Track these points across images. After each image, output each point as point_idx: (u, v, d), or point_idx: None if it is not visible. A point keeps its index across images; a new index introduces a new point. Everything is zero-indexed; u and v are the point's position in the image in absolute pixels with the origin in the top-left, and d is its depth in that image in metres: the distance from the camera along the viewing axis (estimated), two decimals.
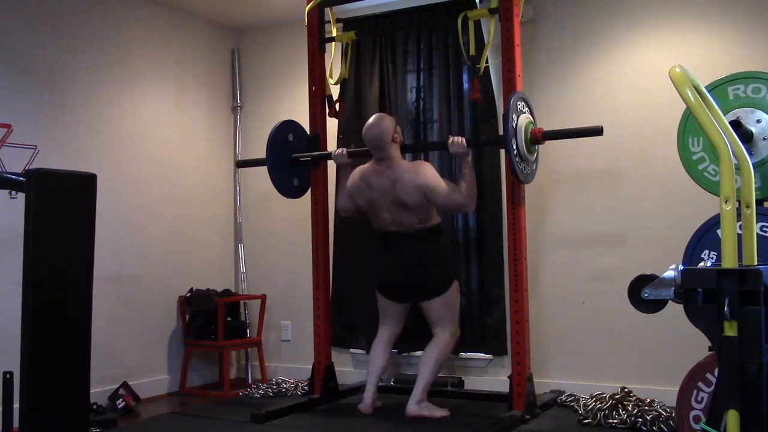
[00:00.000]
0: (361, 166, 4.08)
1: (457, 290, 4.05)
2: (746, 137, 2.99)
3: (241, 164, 5.01)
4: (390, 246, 4.02)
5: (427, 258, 3.95)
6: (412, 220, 3.92)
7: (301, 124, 4.44)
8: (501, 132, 4.09)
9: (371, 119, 4.01)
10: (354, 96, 4.89)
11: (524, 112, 3.86)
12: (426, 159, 4.53)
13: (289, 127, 4.38)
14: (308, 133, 4.45)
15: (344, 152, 4.21)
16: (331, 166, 4.52)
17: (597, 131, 3.74)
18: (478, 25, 4.29)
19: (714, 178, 3.10)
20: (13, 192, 3.85)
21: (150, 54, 4.93)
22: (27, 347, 2.13)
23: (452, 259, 4.17)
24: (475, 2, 4.49)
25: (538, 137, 3.84)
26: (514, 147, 3.73)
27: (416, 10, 4.72)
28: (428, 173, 3.88)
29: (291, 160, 4.34)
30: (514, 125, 3.73)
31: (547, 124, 4.21)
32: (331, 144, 4.72)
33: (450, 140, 3.89)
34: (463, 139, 3.87)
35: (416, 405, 3.85)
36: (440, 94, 4.70)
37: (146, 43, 4.90)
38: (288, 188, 4.38)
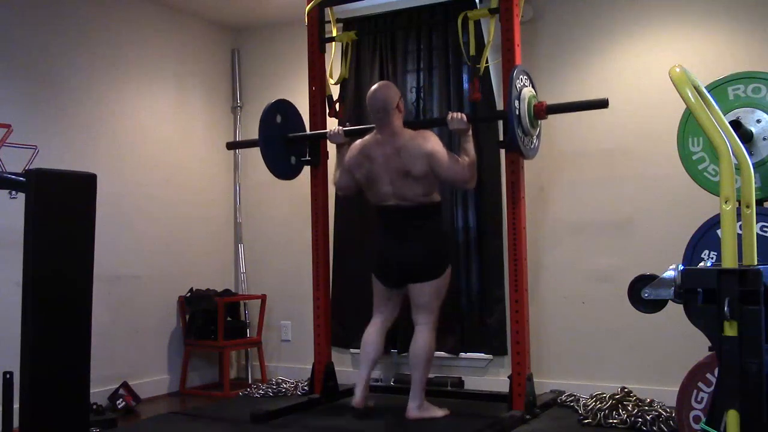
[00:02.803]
0: (361, 139, 3.97)
1: (448, 277, 3.92)
2: (746, 137, 2.99)
3: (231, 146, 4.83)
4: (389, 221, 3.88)
5: (427, 234, 3.83)
6: (414, 191, 3.78)
7: (293, 103, 4.41)
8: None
9: (377, 84, 3.95)
10: (354, 96, 4.89)
11: (527, 86, 3.82)
12: None
13: (281, 106, 4.32)
14: (301, 117, 4.42)
15: (341, 131, 4.10)
16: (332, 166, 4.52)
17: (602, 104, 3.72)
18: (478, 25, 4.30)
19: (714, 178, 3.10)
20: (13, 192, 3.87)
21: (150, 54, 4.93)
22: (27, 347, 2.13)
23: (449, 242, 4.02)
24: (475, 2, 4.49)
25: (542, 111, 3.79)
26: (517, 119, 3.66)
27: (416, 10, 4.73)
28: (434, 141, 3.79)
29: (285, 139, 4.27)
30: (517, 98, 3.68)
31: (546, 124, 4.22)
32: (331, 146, 4.71)
33: (450, 116, 3.79)
34: (464, 115, 3.79)
35: (416, 408, 3.80)
36: (440, 94, 4.70)
37: (146, 43, 4.90)
38: (282, 169, 4.29)
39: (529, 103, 3.76)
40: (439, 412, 3.86)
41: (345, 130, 4.12)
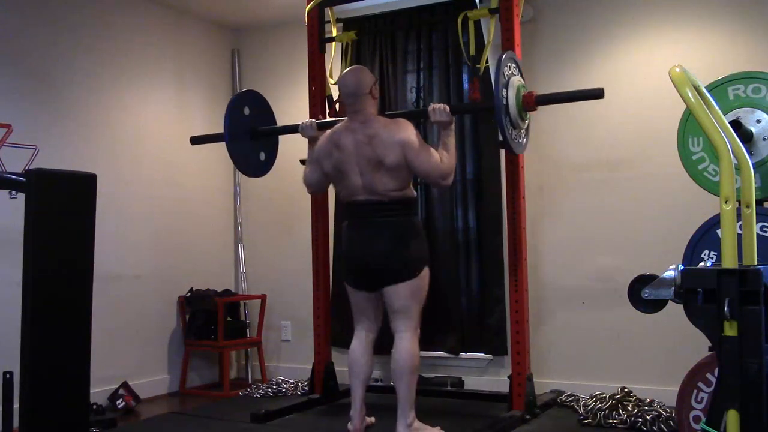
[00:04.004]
0: (332, 128, 3.65)
1: (427, 278, 3.51)
2: (746, 137, 2.99)
3: (195, 140, 4.42)
4: (358, 217, 3.52)
5: (399, 232, 3.43)
6: (386, 184, 3.42)
7: (263, 95, 4.26)
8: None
9: (349, 68, 3.68)
10: None
11: (515, 74, 3.60)
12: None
13: (250, 98, 4.13)
14: (272, 110, 4.27)
15: (313, 124, 3.83)
16: None
17: (597, 94, 3.47)
18: (478, 25, 4.30)
19: (714, 178, 3.10)
20: (13, 192, 3.87)
21: (150, 54, 4.93)
22: (27, 347, 2.12)
23: (426, 242, 3.61)
24: (475, 2, 4.49)
25: (531, 101, 3.56)
26: (505, 109, 3.43)
27: (416, 10, 4.73)
28: (410, 130, 3.43)
29: (253, 134, 4.08)
30: (505, 87, 3.44)
31: (545, 124, 4.22)
32: None
33: (431, 107, 3.52)
34: (446, 107, 3.51)
35: (406, 429, 3.36)
36: (440, 94, 4.70)
37: (146, 43, 4.90)
38: (250, 165, 4.12)
39: (518, 93, 3.52)
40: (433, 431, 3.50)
41: (317, 123, 3.86)
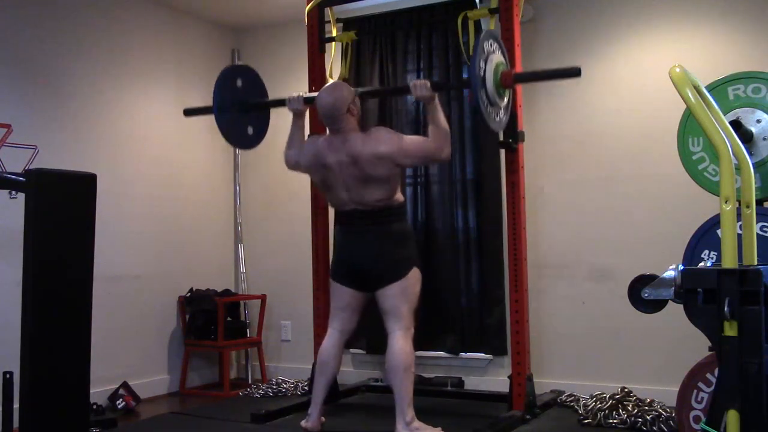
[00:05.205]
0: (316, 140, 3.72)
1: (417, 279, 3.58)
2: (746, 137, 3.00)
3: (188, 112, 4.41)
4: (349, 225, 3.64)
5: (386, 237, 3.54)
6: (372, 195, 3.52)
7: (255, 70, 4.22)
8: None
9: (327, 86, 3.71)
10: None
11: (495, 52, 3.58)
12: None
13: (242, 73, 4.10)
14: (265, 88, 4.21)
15: (300, 97, 3.82)
16: None
17: (574, 72, 3.47)
18: (478, 25, 4.30)
19: (714, 178, 3.10)
20: (13, 192, 3.87)
21: (150, 54, 4.93)
22: (27, 347, 2.12)
23: (415, 245, 3.70)
24: (475, 2, 4.49)
25: (509, 78, 3.55)
26: (481, 80, 3.42)
27: (416, 10, 4.73)
28: (387, 137, 3.51)
29: (243, 107, 4.02)
30: (483, 64, 3.44)
31: (545, 124, 4.21)
32: None
33: (412, 84, 3.57)
34: (427, 82, 3.55)
35: (406, 427, 3.39)
36: (440, 94, 4.68)
37: (146, 43, 4.91)
38: (239, 137, 4.09)
39: (496, 69, 3.52)
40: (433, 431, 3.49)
41: (305, 97, 3.84)
